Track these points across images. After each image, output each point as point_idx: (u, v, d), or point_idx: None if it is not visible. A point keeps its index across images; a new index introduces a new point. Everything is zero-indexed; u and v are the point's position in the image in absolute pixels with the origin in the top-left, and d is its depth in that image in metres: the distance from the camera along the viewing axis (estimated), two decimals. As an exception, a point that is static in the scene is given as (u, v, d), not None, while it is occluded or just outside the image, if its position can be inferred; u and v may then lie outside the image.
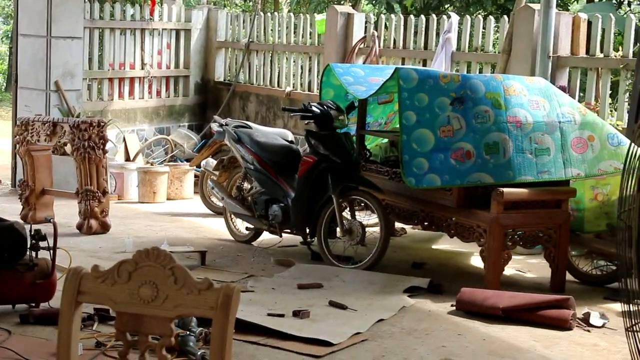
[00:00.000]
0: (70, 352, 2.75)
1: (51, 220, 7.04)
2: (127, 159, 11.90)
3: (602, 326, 6.67)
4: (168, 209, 10.67)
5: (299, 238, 8.56)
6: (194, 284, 2.69)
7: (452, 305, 7.00)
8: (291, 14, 14.03)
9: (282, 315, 6.51)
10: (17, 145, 9.83)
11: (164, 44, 13.20)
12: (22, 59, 11.51)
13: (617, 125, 8.64)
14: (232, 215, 9.12)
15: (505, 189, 7.35)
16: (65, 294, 2.78)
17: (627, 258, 2.40)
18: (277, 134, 9.10)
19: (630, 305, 2.41)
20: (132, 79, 12.82)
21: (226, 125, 9.23)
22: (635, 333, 2.28)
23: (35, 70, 11.32)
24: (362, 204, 8.19)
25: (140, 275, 2.73)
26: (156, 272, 2.72)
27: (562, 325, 6.58)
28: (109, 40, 12.55)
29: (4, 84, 26.43)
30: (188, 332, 5.84)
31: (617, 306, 6.94)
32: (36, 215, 9.45)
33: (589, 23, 9.72)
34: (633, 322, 2.51)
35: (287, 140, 8.89)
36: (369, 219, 8.27)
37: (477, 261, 8.10)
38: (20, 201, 9.82)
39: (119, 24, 12.63)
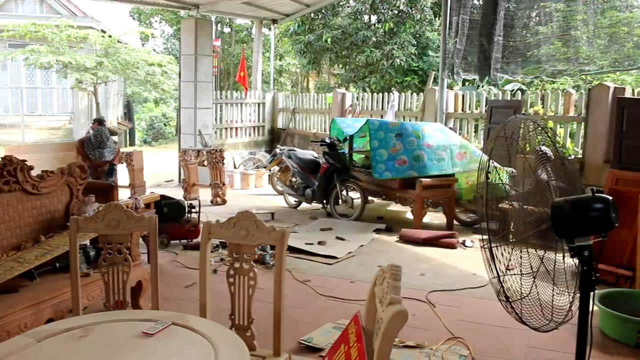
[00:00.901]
0: (206, 263, 2.81)
1: (197, 199, 7.10)
2: (235, 167, 11.94)
3: (471, 246, 6.70)
4: (255, 192, 10.74)
5: (320, 205, 8.57)
6: (266, 228, 2.75)
7: (397, 238, 7.02)
8: (315, 93, 14.00)
9: (312, 244, 6.56)
10: (181, 161, 9.90)
11: (252, 110, 13.23)
12: (183, 119, 11.58)
13: (478, 146, 8.65)
14: (287, 194, 9.17)
15: (423, 179, 7.37)
16: (203, 234, 2.84)
17: (481, 212, 2.47)
18: (309, 154, 9.13)
19: (483, 234, 2.46)
20: (237, 128, 12.85)
21: (282, 149, 9.29)
22: (484, 249, 2.33)
23: (189, 124, 11.39)
24: (352, 187, 8.22)
25: (239, 223, 2.79)
26: (247, 222, 2.77)
27: (451, 246, 6.62)
28: (225, 108, 12.58)
29: (175, 132, 26.53)
30: (265, 252, 5.90)
31: (479, 236, 7.04)
32: (190, 196, 9.53)
33: (463, 96, 9.73)
34: (483, 244, 2.54)
35: (314, 157, 8.92)
36: (355, 195, 8.27)
37: (409, 215, 8.11)
38: (182, 189, 9.88)
39: (230, 101, 12.67)
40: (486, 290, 5.02)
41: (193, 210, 6.73)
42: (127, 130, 24.13)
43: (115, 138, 22.32)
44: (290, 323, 4.30)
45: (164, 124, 24.37)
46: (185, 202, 6.72)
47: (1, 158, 4.02)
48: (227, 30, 23.44)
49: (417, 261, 6.07)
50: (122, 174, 8.92)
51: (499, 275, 2.47)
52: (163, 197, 6.61)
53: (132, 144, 23.13)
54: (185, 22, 11.55)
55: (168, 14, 23.71)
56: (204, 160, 9.52)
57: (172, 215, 6.49)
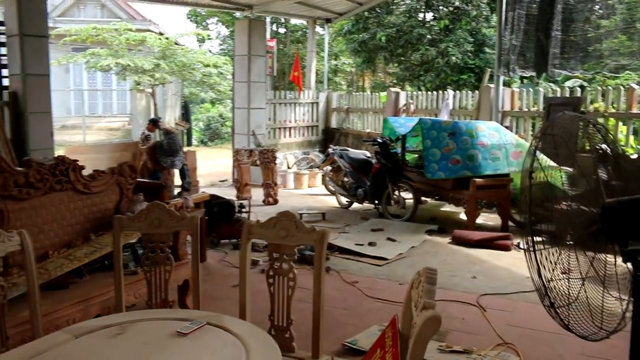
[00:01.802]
0: (246, 262, 2.80)
1: (248, 198, 7.15)
2: (288, 167, 11.98)
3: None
4: (308, 192, 10.74)
5: (372, 206, 8.50)
6: (305, 228, 2.72)
7: (449, 239, 6.88)
8: (370, 92, 13.90)
9: (362, 244, 6.50)
10: (234, 161, 10.00)
11: (305, 110, 13.25)
12: (237, 119, 11.70)
13: (536, 145, 8.35)
14: (338, 194, 9.12)
15: (477, 179, 7.21)
16: (243, 234, 2.83)
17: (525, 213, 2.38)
18: (361, 153, 9.07)
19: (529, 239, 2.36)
20: (290, 128, 12.90)
21: (335, 149, 9.26)
22: (528, 252, 2.23)
23: (242, 125, 11.49)
24: (404, 188, 8.11)
25: (279, 224, 2.77)
26: (287, 222, 2.75)
27: (506, 248, 6.44)
28: (279, 108, 12.64)
29: (231, 132, 26.85)
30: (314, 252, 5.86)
31: (536, 238, 6.82)
32: (242, 196, 9.60)
33: (520, 93, 9.46)
34: (526, 247, 2.44)
35: (366, 156, 8.85)
36: (407, 195, 8.16)
37: (462, 216, 7.93)
38: (235, 188, 9.97)
39: (284, 100, 12.74)
40: (541, 294, 4.85)
41: (243, 210, 6.78)
42: (185, 131, 24.61)
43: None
44: (337, 325, 4.27)
45: (221, 124, 24.72)
46: (236, 202, 6.77)
47: (54, 158, 4.14)
48: (282, 30, 23.60)
49: (470, 263, 5.93)
50: (176, 174, 9.09)
51: (542, 279, 2.36)
52: (213, 196, 6.69)
53: (189, 144, 23.53)
54: (239, 22, 11.67)
55: (224, 15, 24.05)
56: (256, 160, 9.58)
57: (222, 215, 6.56)
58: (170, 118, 22.28)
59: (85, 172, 4.34)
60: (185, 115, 25.52)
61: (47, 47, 8.08)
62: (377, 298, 4.86)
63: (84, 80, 20.88)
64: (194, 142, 24.67)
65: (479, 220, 7.47)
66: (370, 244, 6.54)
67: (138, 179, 5.01)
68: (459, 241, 6.72)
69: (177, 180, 8.64)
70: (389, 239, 6.82)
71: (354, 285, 5.19)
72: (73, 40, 16.12)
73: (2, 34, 8.06)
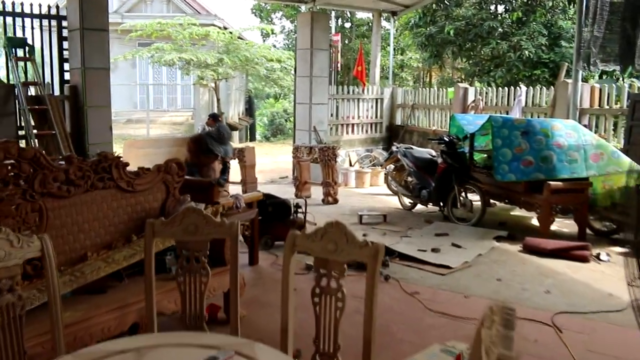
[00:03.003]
0: (288, 278, 2.49)
1: (304, 198, 6.86)
2: (350, 165, 11.65)
3: (607, 261, 5.92)
4: (369, 191, 10.37)
5: (436, 208, 8.06)
6: (357, 242, 2.39)
7: (520, 247, 6.38)
8: (436, 88, 13.41)
9: (425, 250, 6.09)
10: (293, 158, 9.75)
11: (369, 106, 12.86)
12: (298, 115, 11.49)
13: (617, 146, 7.71)
14: (401, 195, 8.71)
15: (551, 182, 6.68)
16: (287, 245, 2.53)
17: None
18: (426, 152, 8.63)
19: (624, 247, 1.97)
20: (353, 124, 12.55)
21: (398, 147, 8.86)
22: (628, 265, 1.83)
23: (304, 120, 11.25)
24: (471, 190, 7.64)
25: (328, 235, 2.44)
26: (336, 234, 2.42)
27: (583, 259, 5.87)
28: (342, 104, 12.32)
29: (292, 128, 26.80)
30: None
31: (617, 249, 6.24)
32: (301, 194, 9.36)
33: (600, 89, 8.78)
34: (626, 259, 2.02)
35: (431, 155, 8.41)
36: (475, 198, 7.68)
37: (534, 221, 7.38)
38: (294, 187, 9.71)
39: (346, 96, 12.40)
40: (625, 315, 4.33)
41: (299, 210, 6.48)
42: (248, 126, 24.65)
43: (236, 133, 22.82)
44: (392, 341, 3.91)
45: (285, 120, 24.61)
46: (291, 202, 6.48)
47: (97, 154, 3.94)
48: (348, 25, 23.27)
49: (542, 275, 5.43)
50: (234, 170, 8.91)
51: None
52: (268, 196, 6.44)
53: (252, 139, 23.58)
54: (302, 15, 11.41)
55: (288, 9, 23.92)
56: (316, 158, 9.29)
57: (277, 215, 6.29)
58: (234, 113, 22.36)
59: (141, 166, 4.15)
60: (249, 110, 25.60)
61: (108, 40, 8.04)
62: (438, 312, 4.46)
63: (149, 75, 21.15)
64: (258, 137, 24.70)
65: (553, 227, 6.93)
66: (434, 250, 6.12)
67: (187, 177, 4.81)
68: (530, 250, 6.21)
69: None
70: (453, 244, 6.39)
71: (414, 297, 4.80)
72: (139, 36, 16.31)
73: (65, 28, 8.08)
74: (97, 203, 3.83)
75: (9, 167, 3.33)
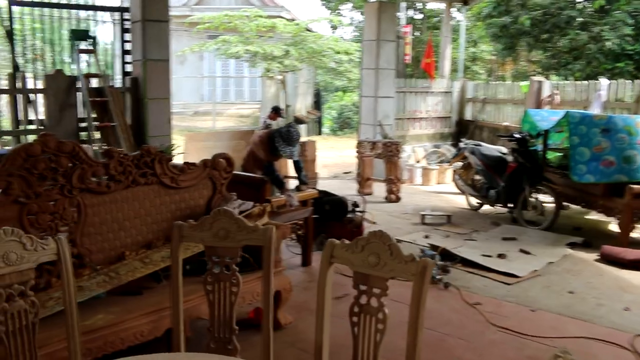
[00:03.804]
0: (324, 292, 2.22)
1: (363, 194, 6.57)
2: (416, 161, 11.26)
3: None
4: (435, 189, 9.96)
5: (505, 209, 7.60)
6: (402, 257, 2.10)
7: (597, 256, 5.88)
8: (510, 81, 12.81)
9: (490, 256, 5.70)
10: (357, 154, 9.48)
11: (438, 99, 12.39)
12: (363, 108, 11.18)
13: None
14: (468, 195, 8.29)
15: (634, 186, 6.14)
16: (324, 256, 2.27)
17: None
18: (495, 150, 8.18)
19: None
20: (420, 118, 12.12)
21: (467, 144, 8.44)
22: None
23: (369, 114, 10.94)
24: (543, 191, 7.15)
25: (370, 247, 2.16)
26: (379, 247, 2.14)
27: (669, 272, 5.34)
28: (409, 97, 11.91)
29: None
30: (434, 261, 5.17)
31: None
32: (364, 191, 9.10)
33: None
34: None
35: (501, 153, 7.96)
36: (547, 200, 7.19)
37: (613, 227, 6.83)
38: (357, 183, 9.43)
39: (414, 89, 12.00)
40: None
41: (357, 208, 6.21)
42: (316, 119, 24.50)
43: (303, 127, 22.75)
44: (449, 358, 3.59)
45: (354, 113, 24.31)
46: (349, 200, 6.21)
47: (139, 148, 3.81)
48: (419, 17, 22.70)
49: (621, 290, 4.95)
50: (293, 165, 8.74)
51: None
52: (325, 193, 6.21)
53: (319, 133, 23.42)
54: (368, 6, 11.08)
55: (357, 0, 23.54)
56: (379, 153, 8.98)
57: (334, 213, 6.04)
58: (302, 106, 22.24)
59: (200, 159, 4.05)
60: (317, 103, 25.43)
61: (168, 32, 7.99)
62: (502, 327, 4.09)
63: (217, 68, 21.29)
64: (326, 130, 24.51)
65: (634, 235, 6.37)
66: (500, 256, 5.71)
67: (237, 172, 4.63)
68: (608, 259, 5.71)
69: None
70: (522, 250, 5.96)
71: (475, 308, 4.44)
72: (206, 28, 16.37)
73: (128, 20, 8.09)
74: (138, 199, 3.70)
75: (47, 162, 3.23)
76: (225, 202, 4.06)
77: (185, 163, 4.03)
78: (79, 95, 7.31)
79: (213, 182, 4.13)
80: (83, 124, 7.34)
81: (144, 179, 3.70)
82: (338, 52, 16.81)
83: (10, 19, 7.29)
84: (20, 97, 7.19)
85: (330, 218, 6.01)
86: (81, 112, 7.38)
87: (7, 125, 7.61)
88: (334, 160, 13.68)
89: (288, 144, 5.52)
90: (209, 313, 2.53)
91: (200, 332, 3.50)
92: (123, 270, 3.33)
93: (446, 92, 12.50)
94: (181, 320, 2.48)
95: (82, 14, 7.89)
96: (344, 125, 24.13)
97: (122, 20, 8.06)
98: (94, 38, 7.70)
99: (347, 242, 2.22)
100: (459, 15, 14.12)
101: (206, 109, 19.44)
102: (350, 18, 25.89)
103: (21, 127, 7.19)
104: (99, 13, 8.05)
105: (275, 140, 5.57)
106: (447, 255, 5.56)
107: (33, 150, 3.16)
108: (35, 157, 3.17)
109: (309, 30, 17.43)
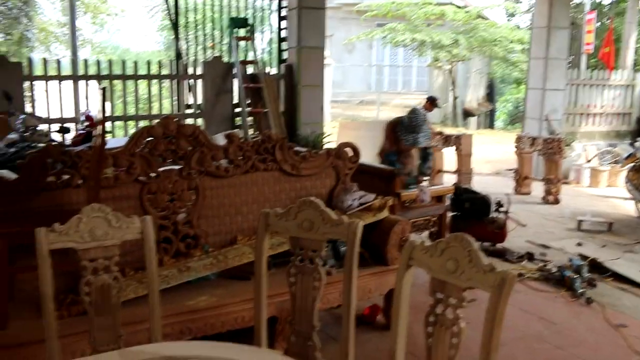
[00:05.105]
0: (400, 298, 2.09)
1: (508, 195, 6.16)
2: (587, 160, 10.38)
3: None
4: (603, 193, 9.09)
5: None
6: (482, 265, 1.89)
7: None
8: None
9: (651, 273, 5.06)
10: (516, 149, 8.94)
11: (616, 93, 11.29)
12: (529, 101, 10.53)
13: None
14: (638, 201, 7.44)
15: None
16: (403, 258, 2.12)
17: None
18: (677, 152, 7.28)
19: None
20: (594, 114, 11.14)
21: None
22: None
23: (535, 108, 10.29)
24: None
25: (449, 251, 1.98)
26: (459, 252, 1.95)
27: None
28: (582, 90, 10.99)
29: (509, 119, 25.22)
30: (577, 276, 4.72)
31: None
32: (521, 190, 8.57)
33: None
34: None
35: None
36: None
37: None
38: (514, 181, 8.89)
39: (588, 82, 11.03)
40: None
41: (501, 208, 5.83)
42: (487, 112, 23.62)
43: (474, 119, 22.03)
44: (573, 383, 3.24)
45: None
46: (493, 198, 5.86)
47: (261, 134, 3.87)
48: (607, 1, 20.90)
49: None
50: (450, 159, 8.46)
51: None
52: (466, 190, 5.93)
53: (491, 126, 22.56)
54: (541, -11, 10.39)
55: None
56: (539, 150, 8.39)
57: (474, 212, 5.73)
58: (472, 97, 21.59)
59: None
60: (490, 95, 24.50)
61: (324, 19, 8.09)
62: (647, 356, 3.61)
63: (385, 56, 21.25)
64: (499, 124, 23.58)
65: None
66: (664, 273, 5.06)
67: (365, 163, 4.55)
68: None
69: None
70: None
71: (618, 330, 3.95)
72: (374, 15, 16.41)
73: (285, 7, 8.32)
74: (257, 185, 3.76)
75: (168, 143, 3.38)
76: (345, 193, 4.00)
77: (308, 151, 4.03)
78: (235, 81, 7.66)
79: (337, 171, 4.09)
80: (238, 109, 7.68)
81: (263, 165, 3.75)
82: (512, 41, 16.04)
83: (176, 9, 7.81)
84: (181, 83, 7.70)
85: (470, 217, 5.71)
86: (237, 97, 7.73)
87: (167, 108, 8.17)
88: (498, 156, 13.06)
89: (410, 131, 5.31)
90: (290, 305, 2.48)
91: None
92: (231, 254, 3.40)
93: (627, 85, 11.34)
94: (263, 312, 2.46)
95: (242, 2, 8.22)
96: (516, 119, 23.02)
97: (279, 7, 8.30)
98: (251, 26, 8.02)
99: (428, 243, 2.06)
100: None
101: (372, 98, 19.52)
102: (529, 4, 24.53)
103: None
104: (258, 1, 8.35)
105: (397, 127, 5.40)
106: (598, 268, 5.03)
107: (154, 132, 3.32)
108: (156, 138, 3.33)
109: (482, 18, 16.80)
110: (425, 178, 5.42)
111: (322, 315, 3.14)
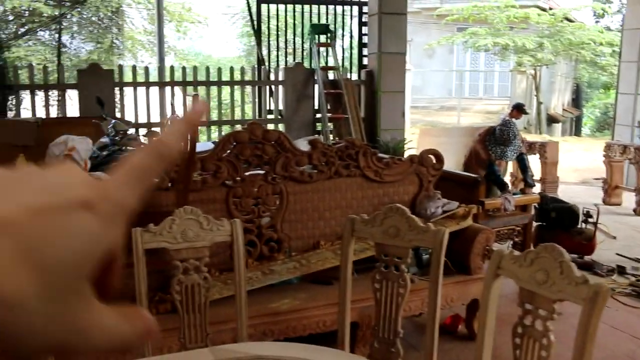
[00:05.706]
0: (488, 300, 2.09)
1: (596, 205, 5.96)
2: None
3: None
4: None
5: None
6: (574, 277, 1.86)
7: None
8: None
9: None
10: (604, 158, 8.60)
11: None
12: (619, 107, 10.11)
13: None
14: None
15: None
16: (490, 267, 2.12)
17: None
18: None
19: None
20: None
21: None
22: None
23: (626, 114, 9.87)
24: None
25: (539, 262, 1.96)
26: (549, 263, 1.93)
27: None
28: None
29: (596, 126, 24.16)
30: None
31: None
32: (610, 200, 8.24)
33: None
34: None
35: None
36: None
37: None
38: (603, 191, 8.55)
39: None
40: None
41: (590, 219, 5.64)
42: (574, 118, 22.84)
43: (558, 126, 21.36)
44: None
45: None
46: (581, 208, 5.68)
47: (345, 141, 3.91)
48: None
49: None
50: (534, 167, 8.24)
51: None
52: (553, 199, 5.77)
53: (577, 133, 21.83)
54: (634, -10, 9.99)
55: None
56: (631, 159, 8.05)
57: (561, 222, 5.56)
58: (557, 103, 20.96)
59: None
60: (576, 100, 23.71)
61: (405, 24, 8.09)
62: None
63: (466, 61, 20.96)
64: (586, 131, 22.78)
65: None
66: None
67: (449, 170, 4.52)
68: None
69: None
70: None
71: None
72: (455, 20, 16.21)
73: (365, 13, 8.37)
74: (340, 191, 3.81)
75: (253, 149, 3.48)
76: (427, 200, 3.99)
77: (391, 157, 4.05)
78: (316, 87, 7.76)
79: (420, 178, 4.08)
80: (318, 115, 7.78)
81: (346, 171, 3.79)
82: (601, 44, 15.46)
83: (259, 16, 8.00)
84: (262, 89, 7.87)
85: (557, 227, 5.55)
86: (317, 103, 7.83)
87: (249, 114, 8.37)
88: (586, 165, 12.61)
89: (500, 144, 5.24)
90: (375, 311, 2.50)
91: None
92: (314, 258, 3.46)
93: None
94: (347, 316, 2.49)
95: (323, 8, 8.33)
96: (604, 125, 22.16)
97: (360, 13, 8.35)
98: (332, 32, 8.10)
99: (517, 253, 2.03)
100: None
101: (453, 104, 19.29)
102: (620, 4, 23.59)
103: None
104: (338, 7, 8.44)
105: (487, 138, 5.33)
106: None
107: (241, 137, 3.43)
108: (242, 143, 3.43)
109: (568, 20, 16.30)
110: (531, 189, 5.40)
111: (403, 323, 3.14)
